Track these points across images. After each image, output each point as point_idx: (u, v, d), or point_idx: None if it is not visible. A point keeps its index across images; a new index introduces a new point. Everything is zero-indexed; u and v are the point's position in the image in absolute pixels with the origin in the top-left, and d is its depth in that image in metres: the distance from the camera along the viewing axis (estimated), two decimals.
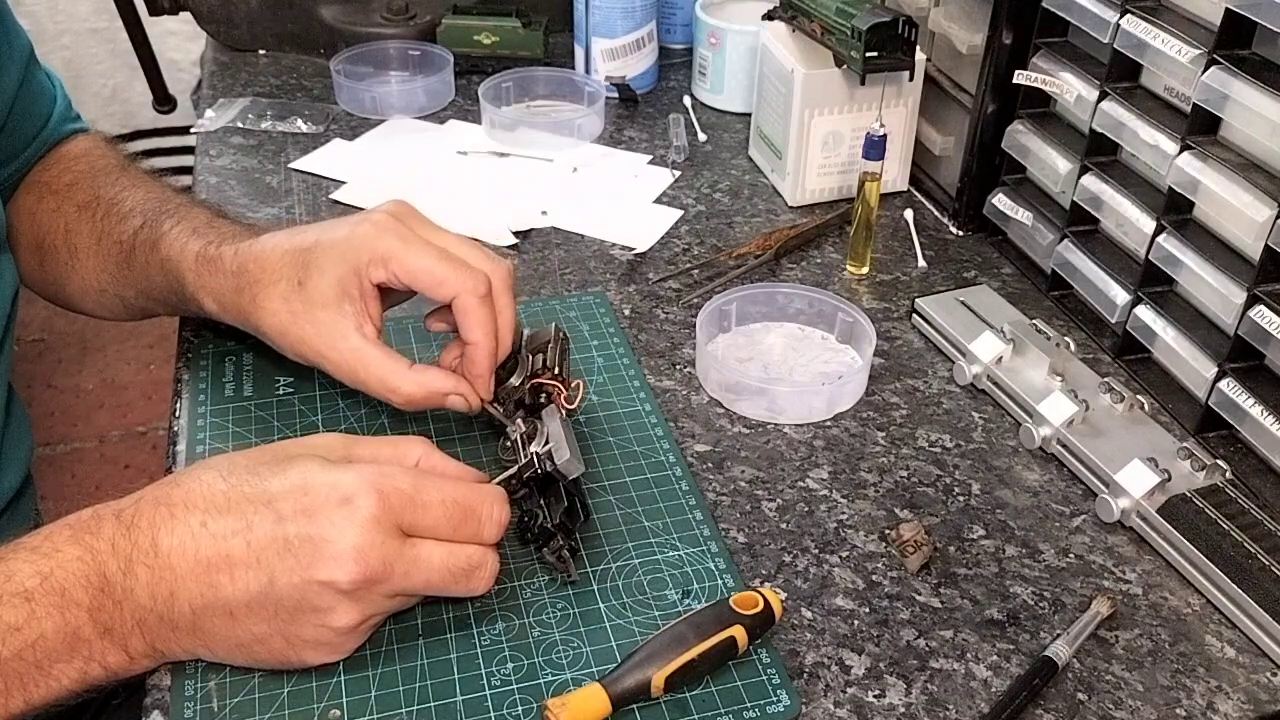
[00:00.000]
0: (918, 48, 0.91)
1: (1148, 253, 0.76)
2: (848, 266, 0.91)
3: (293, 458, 0.56)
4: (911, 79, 0.93)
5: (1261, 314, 0.68)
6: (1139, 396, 0.73)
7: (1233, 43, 0.68)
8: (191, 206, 0.76)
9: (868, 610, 0.62)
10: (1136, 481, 0.66)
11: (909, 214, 0.97)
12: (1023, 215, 0.89)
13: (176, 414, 0.74)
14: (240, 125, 1.09)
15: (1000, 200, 0.92)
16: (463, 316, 0.65)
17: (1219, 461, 0.68)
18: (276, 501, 0.54)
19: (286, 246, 0.67)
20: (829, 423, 0.75)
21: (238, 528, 0.53)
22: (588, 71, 1.15)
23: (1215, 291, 0.71)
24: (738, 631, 0.57)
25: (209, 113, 1.11)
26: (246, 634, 0.54)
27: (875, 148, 0.85)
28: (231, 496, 0.54)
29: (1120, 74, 0.78)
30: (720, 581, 0.63)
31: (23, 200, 0.83)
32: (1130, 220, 0.79)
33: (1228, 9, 0.67)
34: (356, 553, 0.52)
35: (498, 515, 0.58)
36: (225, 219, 0.76)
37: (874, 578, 0.64)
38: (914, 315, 0.84)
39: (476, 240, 0.69)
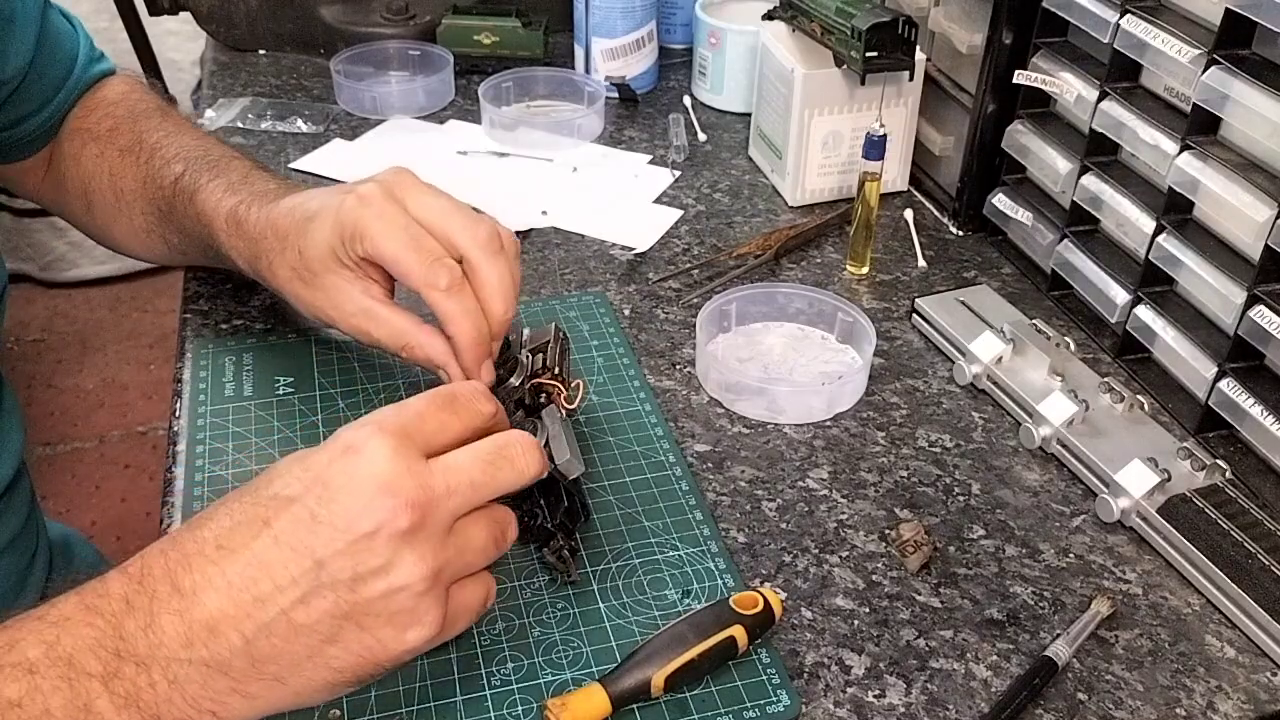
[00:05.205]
0: (918, 48, 0.91)
1: (1148, 253, 0.76)
2: (848, 266, 0.91)
3: (273, 466, 0.51)
4: (911, 79, 0.93)
5: (1261, 314, 0.68)
6: (1139, 396, 0.73)
7: (1233, 43, 0.68)
8: (231, 159, 0.77)
9: (868, 610, 0.62)
10: (1136, 481, 0.66)
11: (909, 214, 0.97)
12: (1023, 215, 0.89)
13: (176, 414, 0.74)
14: (240, 125, 1.09)
15: (1000, 200, 0.92)
16: (433, 309, 0.62)
17: (1219, 461, 0.68)
18: (282, 492, 0.48)
19: (297, 214, 0.68)
20: (829, 423, 0.75)
21: (256, 530, 0.47)
22: (588, 71, 1.15)
23: (1215, 291, 0.71)
24: (738, 631, 0.57)
25: (209, 113, 1.11)
26: (313, 639, 0.47)
27: (875, 148, 0.85)
28: (235, 518, 0.48)
29: (1120, 74, 0.78)
30: (720, 581, 0.63)
31: (66, 147, 0.83)
32: (1130, 220, 0.79)
33: (1228, 9, 0.67)
34: (386, 486, 0.47)
35: (502, 413, 0.54)
36: (262, 172, 0.76)
37: (874, 578, 0.64)
38: (914, 315, 0.84)
39: (471, 208, 0.66)
